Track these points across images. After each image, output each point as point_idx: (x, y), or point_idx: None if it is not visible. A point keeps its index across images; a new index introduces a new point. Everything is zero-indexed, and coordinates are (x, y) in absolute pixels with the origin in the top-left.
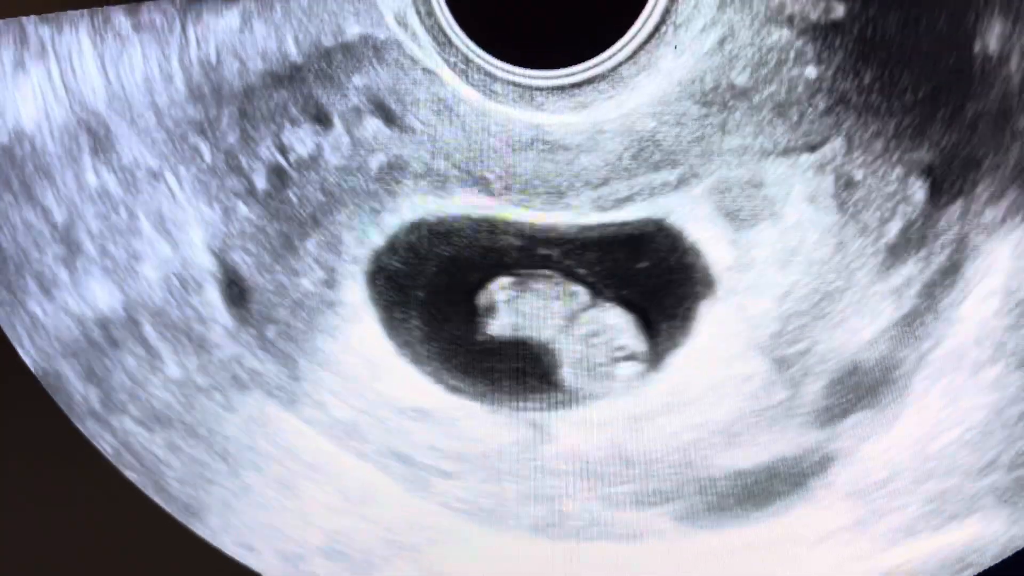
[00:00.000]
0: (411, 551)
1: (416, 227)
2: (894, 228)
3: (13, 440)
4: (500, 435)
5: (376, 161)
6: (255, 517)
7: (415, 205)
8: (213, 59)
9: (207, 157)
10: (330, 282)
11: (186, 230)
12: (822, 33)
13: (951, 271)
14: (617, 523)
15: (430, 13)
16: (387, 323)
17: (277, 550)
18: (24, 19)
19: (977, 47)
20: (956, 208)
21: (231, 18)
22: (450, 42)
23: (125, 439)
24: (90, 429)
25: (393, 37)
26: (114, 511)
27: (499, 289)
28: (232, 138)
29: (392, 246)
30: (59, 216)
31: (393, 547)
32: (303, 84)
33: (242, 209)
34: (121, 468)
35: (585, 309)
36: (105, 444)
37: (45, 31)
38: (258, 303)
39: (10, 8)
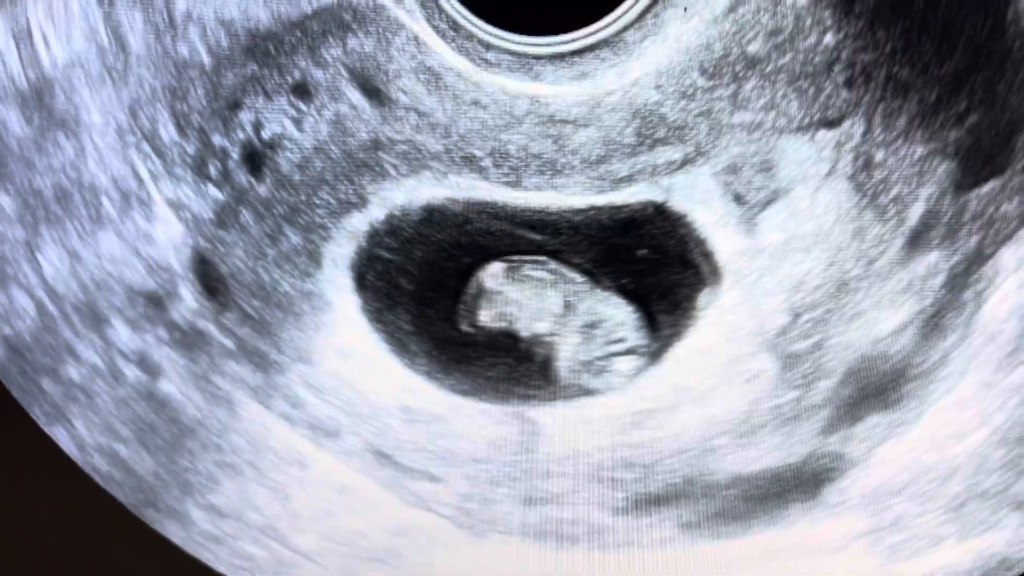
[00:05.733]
0: (395, 558)
1: (400, 210)
2: (916, 213)
3: None
4: (491, 434)
5: (357, 139)
6: (231, 521)
7: (399, 186)
8: (180, 28)
9: (176, 136)
10: (309, 270)
11: (156, 216)
12: None
13: (978, 260)
14: (616, 530)
15: None
16: (371, 314)
17: (254, 554)
18: None
19: (1011, 14)
20: (984, 192)
21: None
22: (438, 6)
23: (95, 440)
24: (58, 431)
25: (375, 0)
26: (83, 515)
27: (490, 277)
28: (202, 115)
29: (375, 231)
30: (14, 198)
31: (376, 554)
32: (276, 55)
33: (214, 193)
34: (90, 472)
35: (581, 299)
36: (74, 447)
37: None
38: (233, 293)
39: None
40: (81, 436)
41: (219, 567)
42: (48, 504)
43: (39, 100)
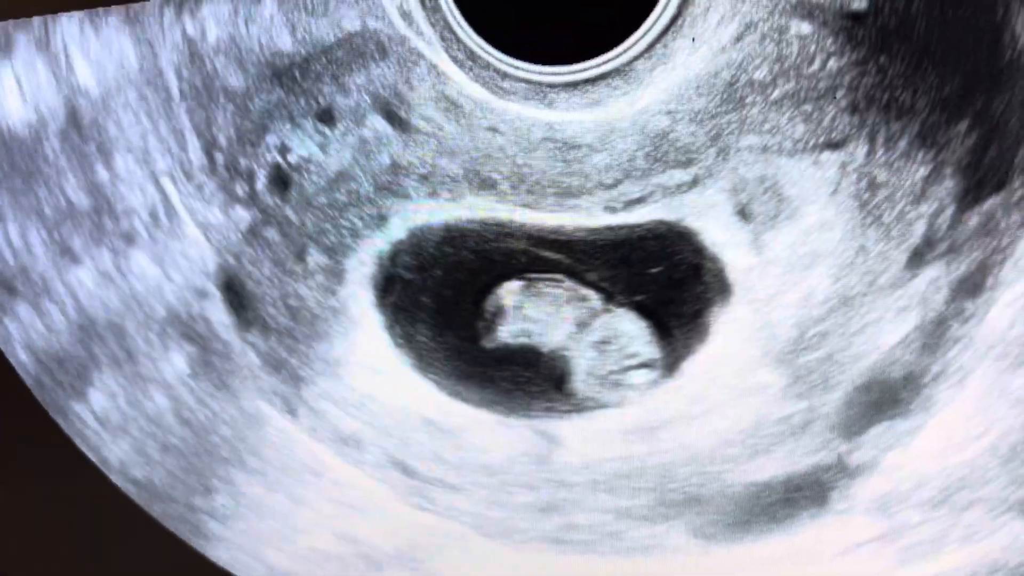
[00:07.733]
0: (414, 565)
1: (421, 231)
2: (919, 230)
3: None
4: (509, 445)
5: (379, 162)
6: (252, 528)
7: (420, 208)
8: (209, 55)
9: (204, 158)
10: (333, 288)
11: (185, 235)
12: (844, 25)
13: (979, 274)
14: (630, 537)
15: (436, 7)
16: (391, 330)
17: (272, 562)
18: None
19: (1007, 37)
20: (985, 208)
21: (226, 11)
22: (456, 37)
23: (116, 446)
24: (80, 435)
25: (397, 32)
26: (106, 522)
27: (507, 294)
28: (230, 139)
29: (396, 251)
30: (50, 217)
31: (395, 561)
32: (302, 81)
33: (242, 213)
34: (111, 475)
35: (597, 315)
36: (93, 451)
37: (32, 26)
38: (259, 309)
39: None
40: (111, 449)
41: (239, 571)
42: (77, 512)
43: (73, 122)
